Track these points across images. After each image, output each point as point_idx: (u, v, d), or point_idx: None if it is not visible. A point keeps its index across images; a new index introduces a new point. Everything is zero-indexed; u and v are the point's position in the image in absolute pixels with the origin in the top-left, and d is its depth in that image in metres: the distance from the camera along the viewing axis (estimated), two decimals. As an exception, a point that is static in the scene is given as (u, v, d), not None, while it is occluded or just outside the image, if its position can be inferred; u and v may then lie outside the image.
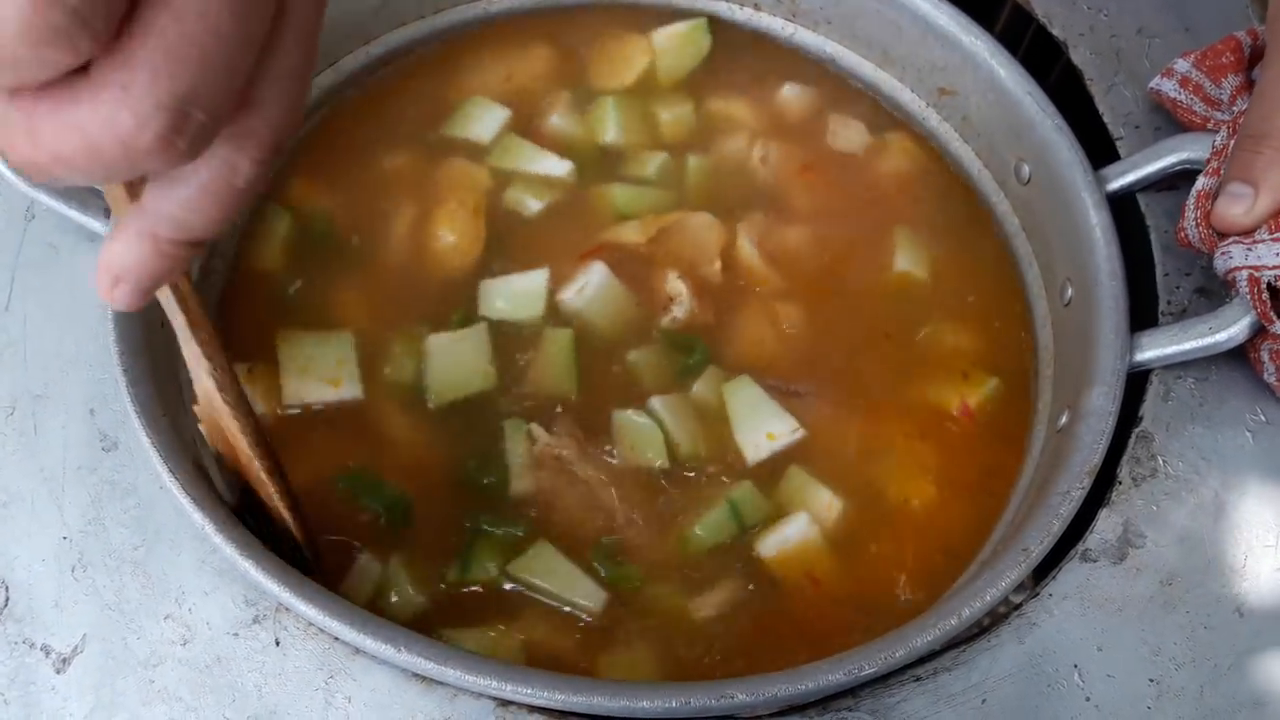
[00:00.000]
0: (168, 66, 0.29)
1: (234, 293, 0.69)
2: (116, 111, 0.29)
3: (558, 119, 0.78)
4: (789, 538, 0.62)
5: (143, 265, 0.35)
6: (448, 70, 0.80)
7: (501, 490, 0.63)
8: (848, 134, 0.79)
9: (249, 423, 0.49)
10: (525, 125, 0.78)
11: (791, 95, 0.80)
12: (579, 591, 0.60)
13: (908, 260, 0.73)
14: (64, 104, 0.29)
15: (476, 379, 0.66)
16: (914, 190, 0.78)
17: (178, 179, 0.34)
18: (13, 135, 0.30)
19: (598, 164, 0.76)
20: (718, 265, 0.72)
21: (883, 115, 0.81)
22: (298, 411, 0.64)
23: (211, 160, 0.34)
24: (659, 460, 0.64)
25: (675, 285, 0.70)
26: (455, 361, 0.67)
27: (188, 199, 0.34)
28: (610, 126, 0.77)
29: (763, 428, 0.66)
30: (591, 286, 0.69)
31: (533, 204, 0.74)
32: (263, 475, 0.52)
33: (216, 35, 0.29)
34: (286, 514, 0.54)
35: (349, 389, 0.65)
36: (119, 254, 0.36)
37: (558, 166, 0.75)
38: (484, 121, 0.77)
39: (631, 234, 0.73)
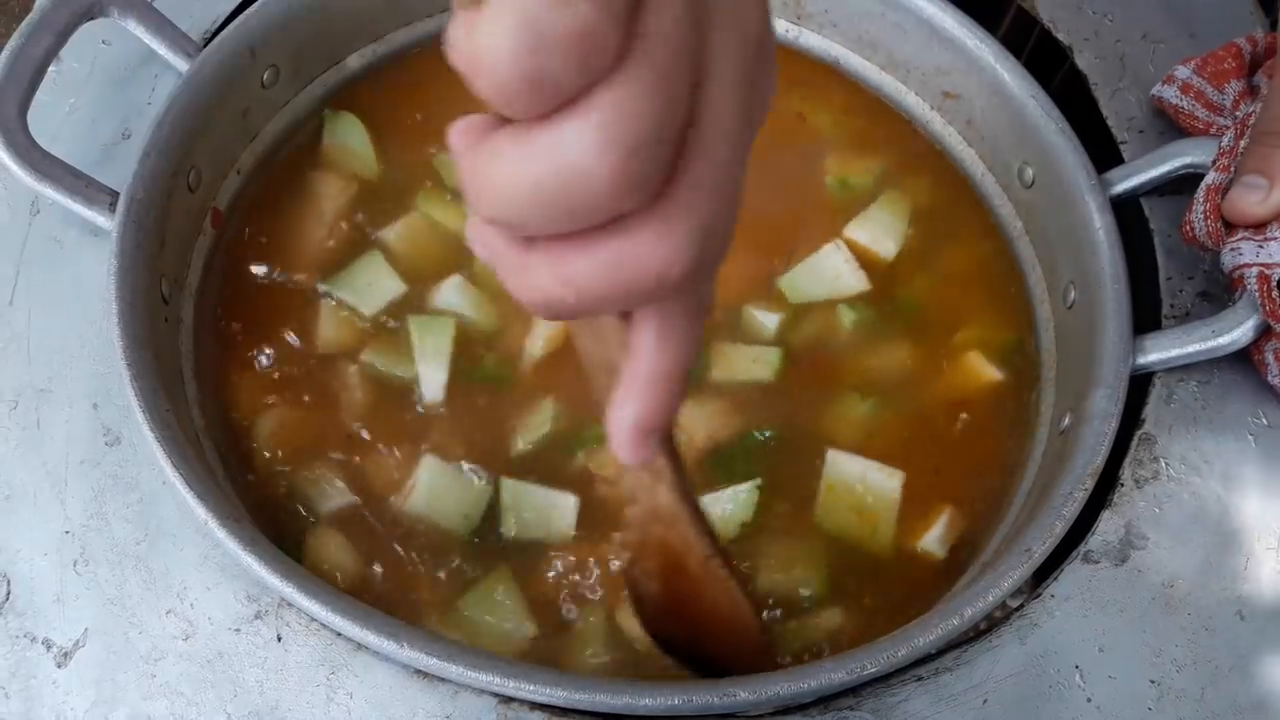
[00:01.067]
0: (703, 206, 0.30)
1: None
2: (655, 248, 0.29)
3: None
4: None
5: (662, 409, 0.35)
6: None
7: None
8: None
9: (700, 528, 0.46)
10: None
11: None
12: None
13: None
14: (595, 243, 0.29)
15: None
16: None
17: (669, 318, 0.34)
18: (532, 277, 0.31)
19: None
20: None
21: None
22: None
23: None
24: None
25: None
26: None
27: (681, 330, 0.34)
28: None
29: (835, 295, 0.71)
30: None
31: None
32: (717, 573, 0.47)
33: (739, 174, 0.31)
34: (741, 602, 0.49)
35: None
36: (644, 412, 0.35)
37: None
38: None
39: None
